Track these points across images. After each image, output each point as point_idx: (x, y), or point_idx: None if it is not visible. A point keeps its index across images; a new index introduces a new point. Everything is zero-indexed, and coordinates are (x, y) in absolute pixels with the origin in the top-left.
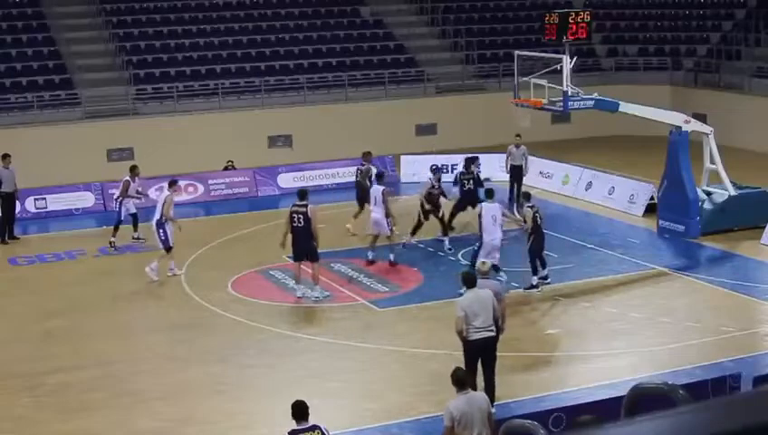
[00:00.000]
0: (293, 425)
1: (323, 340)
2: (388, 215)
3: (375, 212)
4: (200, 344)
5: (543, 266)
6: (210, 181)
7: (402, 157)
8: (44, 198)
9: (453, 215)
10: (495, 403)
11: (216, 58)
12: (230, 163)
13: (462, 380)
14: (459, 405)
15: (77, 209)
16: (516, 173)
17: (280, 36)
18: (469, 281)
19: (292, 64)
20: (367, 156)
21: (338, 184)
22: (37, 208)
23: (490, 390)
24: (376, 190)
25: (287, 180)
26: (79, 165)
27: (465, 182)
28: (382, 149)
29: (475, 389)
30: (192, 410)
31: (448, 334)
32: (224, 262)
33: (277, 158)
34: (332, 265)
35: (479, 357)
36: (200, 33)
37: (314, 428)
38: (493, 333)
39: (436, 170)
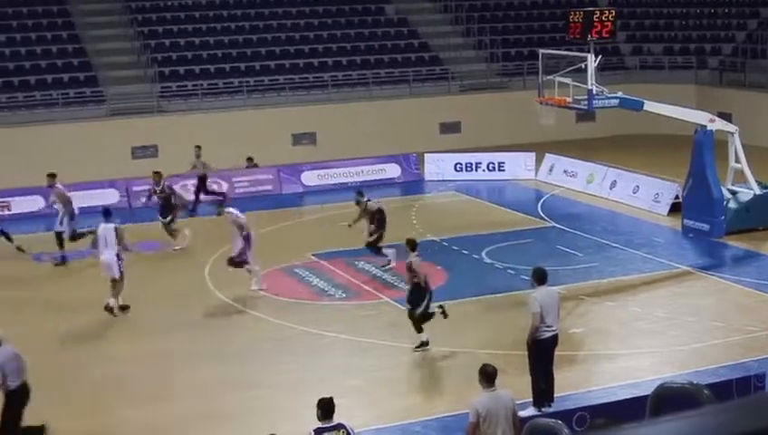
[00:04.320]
0: (318, 423)
1: (347, 337)
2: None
3: (106, 254)
4: (224, 341)
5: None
6: (234, 179)
7: (426, 155)
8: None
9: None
10: (519, 401)
11: (241, 56)
12: (251, 160)
13: (491, 376)
14: (485, 402)
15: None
16: None
17: (304, 34)
18: (541, 277)
19: (317, 62)
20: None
21: (361, 182)
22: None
23: (551, 386)
24: (106, 230)
25: (311, 178)
26: (103, 162)
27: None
28: (406, 147)
29: (551, 388)
30: (215, 406)
31: (472, 333)
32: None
33: (301, 155)
34: (356, 262)
35: (548, 355)
36: (225, 30)
37: (339, 426)
38: (557, 331)
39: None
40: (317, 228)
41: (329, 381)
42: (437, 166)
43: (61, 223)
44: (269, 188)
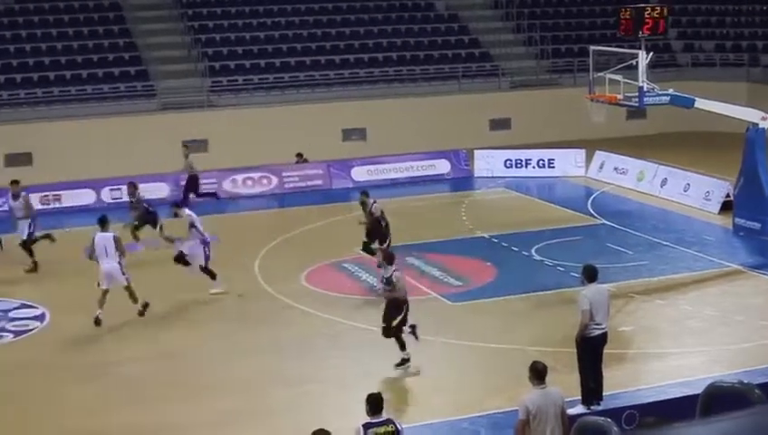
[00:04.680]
0: (367, 418)
1: None
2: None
3: (106, 264)
4: (272, 336)
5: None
6: (284, 174)
7: (476, 151)
8: (119, 189)
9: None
10: (568, 399)
11: (291, 51)
12: (301, 155)
13: (541, 373)
14: (535, 399)
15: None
16: None
17: (355, 29)
18: (592, 275)
19: (367, 58)
20: (131, 187)
21: (411, 178)
22: (113, 199)
23: (600, 384)
24: (104, 239)
25: (361, 173)
26: (154, 156)
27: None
28: (456, 144)
29: (599, 386)
30: (264, 401)
31: (522, 329)
32: (297, 254)
33: (351, 151)
34: (406, 258)
35: (597, 353)
36: (275, 25)
37: (388, 421)
38: (607, 329)
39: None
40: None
41: (377, 376)
42: (487, 162)
43: (30, 228)
44: (319, 183)
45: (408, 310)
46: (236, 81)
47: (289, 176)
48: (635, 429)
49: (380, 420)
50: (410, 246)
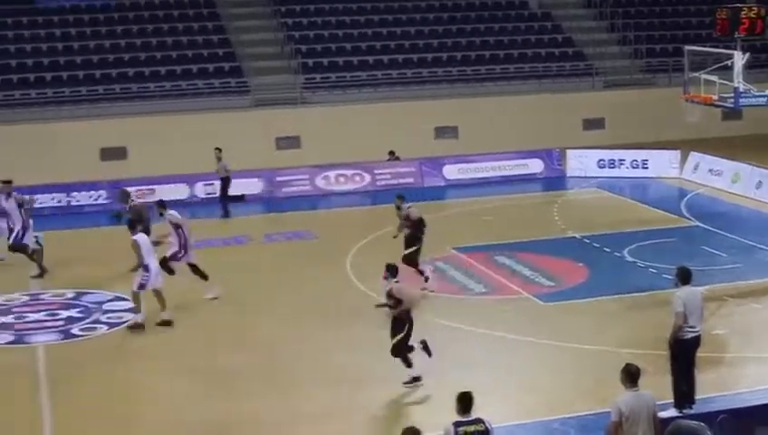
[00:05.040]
0: (457, 417)
1: (485, 332)
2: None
3: (154, 263)
4: (361, 332)
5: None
6: (376, 171)
7: (569, 151)
8: (213, 184)
9: None
10: (660, 402)
11: (384, 48)
12: (393, 153)
13: (635, 375)
14: (628, 401)
15: (245, 195)
16: None
17: (448, 27)
18: (686, 277)
19: (460, 56)
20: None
21: (503, 177)
22: (206, 194)
23: (693, 388)
24: (143, 239)
25: (452, 172)
26: (247, 152)
27: None
28: (548, 143)
29: (692, 390)
30: (355, 398)
31: (613, 331)
32: (389, 251)
33: (443, 149)
34: (496, 257)
35: (690, 356)
36: (368, 23)
37: (478, 420)
38: (700, 332)
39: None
40: (458, 222)
41: (466, 375)
42: (580, 162)
43: (21, 233)
44: (410, 181)
45: (411, 326)
46: (329, 78)
47: (381, 173)
48: (728, 433)
49: (470, 418)
50: (501, 246)
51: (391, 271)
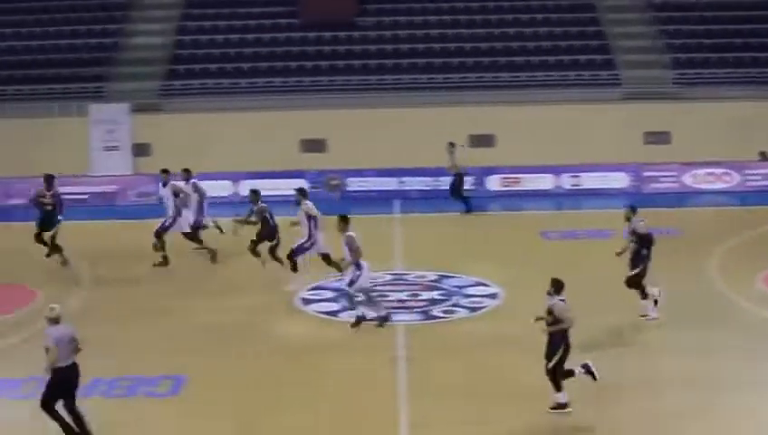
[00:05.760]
0: None
1: None
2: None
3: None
4: (713, 336)
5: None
6: (746, 171)
7: None
8: (579, 176)
9: None
10: None
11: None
12: (764, 154)
13: None
14: None
15: (612, 190)
16: None
17: None
18: None
19: None
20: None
21: None
22: (572, 186)
23: None
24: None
25: None
26: (615, 145)
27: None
28: None
29: None
30: (662, 399)
31: None
32: (757, 254)
33: None
34: None
35: None
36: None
37: None
38: None
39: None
40: None
41: None
42: None
43: (169, 222)
44: None
45: (568, 349)
46: (701, 73)
47: (752, 174)
48: None
49: None
50: None
51: (556, 287)
